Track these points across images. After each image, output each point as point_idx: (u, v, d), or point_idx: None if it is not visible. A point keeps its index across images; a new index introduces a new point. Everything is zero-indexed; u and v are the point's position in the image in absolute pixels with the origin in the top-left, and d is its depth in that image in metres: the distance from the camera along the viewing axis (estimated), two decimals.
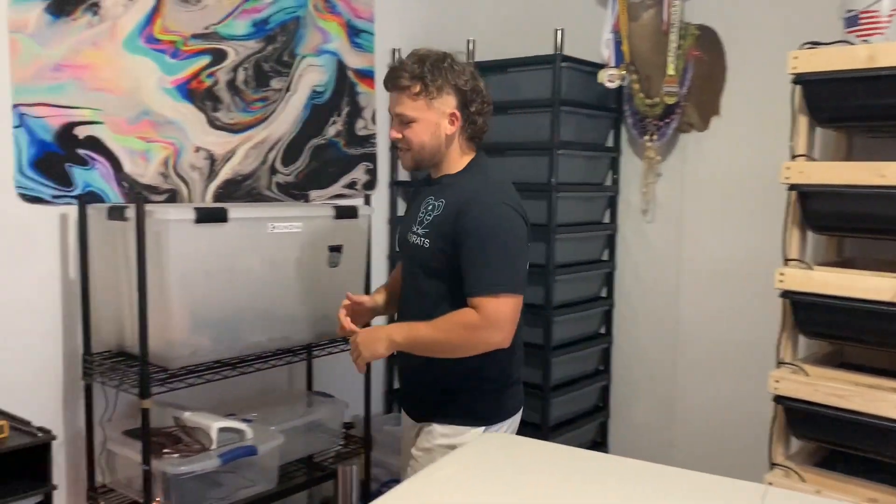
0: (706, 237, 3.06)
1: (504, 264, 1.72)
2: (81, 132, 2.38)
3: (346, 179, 3.27)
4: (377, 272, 3.49)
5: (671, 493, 1.54)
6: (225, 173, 2.80)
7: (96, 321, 2.37)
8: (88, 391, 2.40)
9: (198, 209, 2.17)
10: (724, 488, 1.55)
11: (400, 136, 1.84)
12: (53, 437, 1.87)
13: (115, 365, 2.29)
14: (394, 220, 3.56)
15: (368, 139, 3.36)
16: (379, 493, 3.18)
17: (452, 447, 1.80)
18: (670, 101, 2.95)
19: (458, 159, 1.87)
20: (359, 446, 2.94)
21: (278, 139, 2.97)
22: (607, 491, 1.54)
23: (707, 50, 2.95)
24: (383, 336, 1.83)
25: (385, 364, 3.66)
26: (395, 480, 3.19)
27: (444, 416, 1.85)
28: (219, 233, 2.23)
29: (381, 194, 3.46)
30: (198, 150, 2.70)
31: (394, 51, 3.36)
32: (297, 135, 3.03)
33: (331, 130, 3.18)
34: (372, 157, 3.39)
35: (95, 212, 2.33)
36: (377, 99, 3.38)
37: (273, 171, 2.96)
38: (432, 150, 1.84)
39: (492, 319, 1.70)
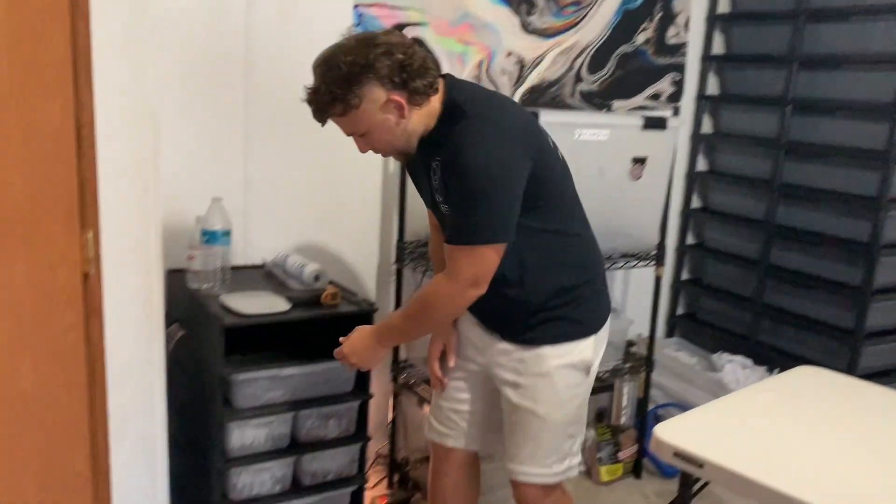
0: None
1: (477, 213, 1.59)
2: (408, 33, 2.52)
3: (650, 90, 3.12)
4: (677, 191, 3.34)
5: None
6: (532, 79, 2.81)
7: (410, 213, 2.56)
8: (399, 275, 2.64)
9: None
10: None
11: (367, 149, 1.69)
12: (375, 308, 2.09)
13: (424, 252, 2.47)
14: (698, 137, 3.35)
15: (679, 48, 3.16)
16: (654, 414, 3.17)
17: (571, 365, 1.74)
18: None
19: (430, 118, 1.65)
20: (639, 365, 2.90)
21: (587, 45, 2.90)
22: None
23: None
24: (369, 343, 1.80)
25: (671, 286, 3.54)
26: (672, 404, 3.13)
27: (552, 339, 1.75)
28: None
29: (686, 108, 3.26)
30: (509, 54, 2.73)
31: None
32: (605, 41, 2.94)
33: (640, 38, 3.03)
34: (680, 68, 3.19)
35: None
36: (692, 4, 3.15)
37: (578, 78, 2.91)
38: (403, 138, 1.65)
39: (452, 269, 1.62)
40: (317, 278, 2.19)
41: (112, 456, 1.79)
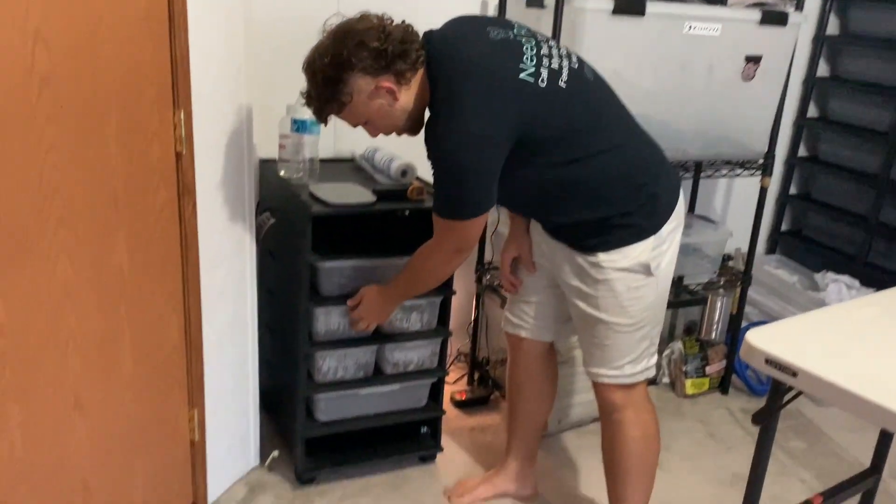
0: None
1: (449, 192, 1.61)
2: None
3: None
4: (792, 98, 3.09)
5: None
6: None
7: None
8: None
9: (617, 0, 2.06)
10: None
11: (377, 134, 1.71)
12: None
13: None
14: (822, 38, 3.06)
15: None
16: (747, 331, 3.05)
17: (627, 269, 1.67)
18: None
19: (424, 90, 1.63)
20: (735, 279, 2.78)
21: None
22: None
23: None
24: (378, 301, 1.93)
25: (777, 200, 3.34)
26: (767, 321, 3.00)
27: (606, 244, 1.66)
28: (634, 27, 2.11)
29: (810, 3, 2.97)
30: None
31: None
32: None
33: None
34: None
35: None
36: None
37: None
38: (403, 117, 1.65)
39: (436, 238, 1.72)
40: (404, 173, 2.17)
41: (205, 332, 1.87)
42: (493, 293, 2.62)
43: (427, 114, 1.65)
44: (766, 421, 1.41)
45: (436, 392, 2.25)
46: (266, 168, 2.19)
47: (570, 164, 1.61)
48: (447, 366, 2.23)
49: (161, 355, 1.77)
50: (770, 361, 1.28)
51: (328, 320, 2.02)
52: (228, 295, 1.97)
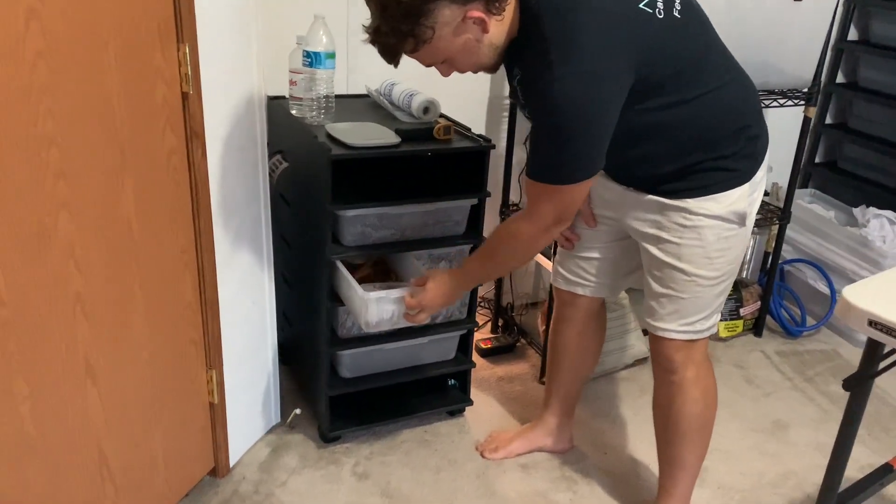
0: None
1: (560, 150, 1.37)
2: None
3: None
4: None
5: None
6: None
7: None
8: (513, 111, 2.41)
9: None
10: None
11: (450, 72, 1.45)
12: (492, 146, 1.89)
13: None
14: None
15: None
16: (782, 270, 2.93)
17: (721, 217, 1.50)
18: None
19: (512, 25, 1.39)
20: (771, 216, 2.64)
21: None
22: None
23: None
24: (446, 291, 1.67)
25: (812, 130, 3.16)
26: (803, 260, 2.88)
27: (700, 190, 1.50)
28: None
29: None
30: None
31: None
32: None
33: None
34: None
35: None
36: None
37: None
38: (490, 54, 1.41)
39: (533, 209, 1.48)
40: (426, 110, 2.00)
41: (220, 287, 1.74)
42: None
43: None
44: (858, 387, 1.28)
45: (464, 344, 2.13)
46: (274, 106, 2.01)
47: (676, 107, 1.41)
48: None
49: (175, 315, 1.63)
50: (875, 323, 1.14)
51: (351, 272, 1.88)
52: (244, 246, 1.83)
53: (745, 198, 1.51)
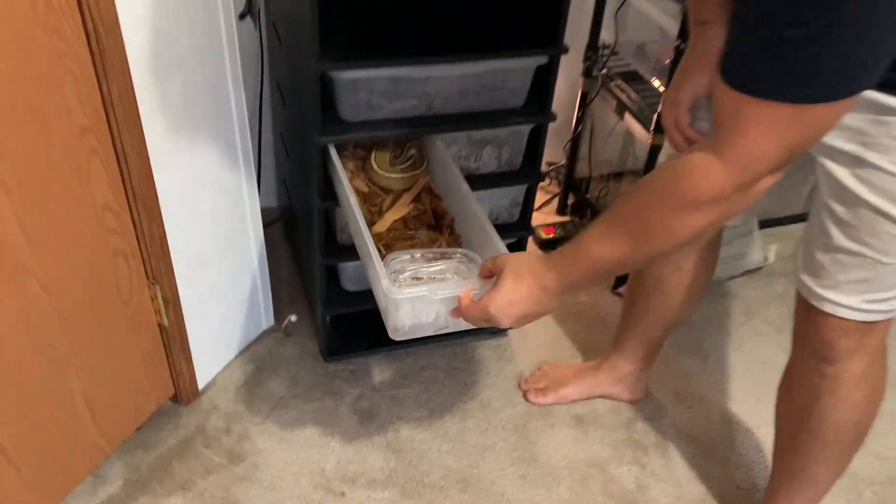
0: None
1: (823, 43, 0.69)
2: None
3: None
4: None
5: None
6: None
7: None
8: None
9: None
10: None
11: None
12: None
13: None
14: None
15: None
16: None
17: None
18: None
19: None
20: None
21: None
22: None
23: None
24: (535, 294, 0.93)
25: None
26: None
27: None
28: None
29: None
30: None
31: None
32: None
33: None
34: None
35: None
36: None
37: None
38: None
39: (731, 140, 0.77)
40: None
41: (158, 176, 1.20)
42: (608, 92, 1.81)
43: None
44: None
45: (518, 248, 1.56)
46: None
47: None
48: (531, 216, 1.52)
49: (84, 223, 1.12)
50: None
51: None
52: (198, 116, 1.26)
53: None
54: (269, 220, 1.93)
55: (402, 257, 1.07)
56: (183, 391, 1.46)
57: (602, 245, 0.87)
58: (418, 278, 1.06)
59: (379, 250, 1.12)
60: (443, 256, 1.08)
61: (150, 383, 1.39)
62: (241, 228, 1.48)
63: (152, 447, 1.41)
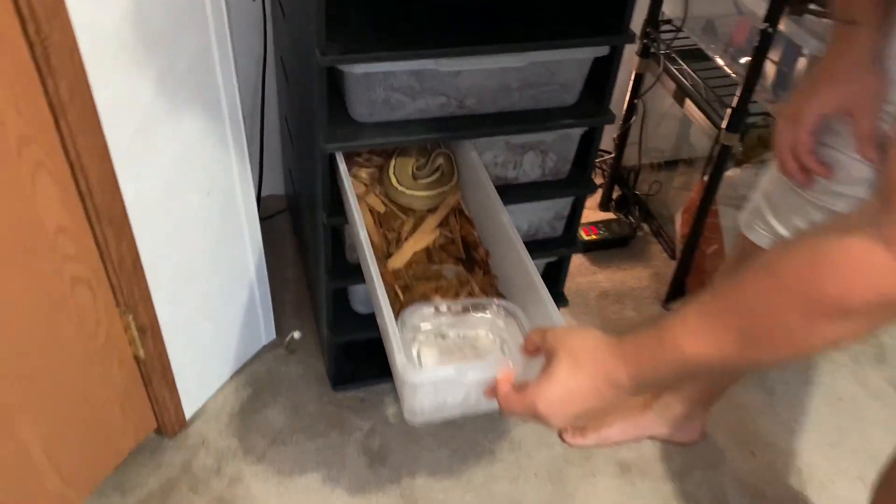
0: None
1: None
2: None
3: None
4: None
5: None
6: None
7: None
8: None
9: None
10: None
11: None
12: None
13: None
14: None
15: None
16: None
17: None
18: None
19: None
20: None
21: None
22: None
23: None
24: (600, 389, 0.68)
25: None
26: None
27: None
28: None
29: None
30: None
31: None
32: None
33: None
34: None
35: None
36: None
37: None
38: None
39: None
40: None
41: (125, 185, 0.98)
42: (666, 75, 1.55)
43: None
44: None
45: (555, 273, 1.33)
46: None
47: None
48: (576, 234, 1.28)
49: (35, 250, 0.91)
50: None
51: None
52: (184, 106, 1.03)
53: None
54: (274, 211, 1.72)
55: (422, 310, 0.84)
56: (167, 423, 1.27)
57: (698, 340, 0.63)
58: (443, 336, 0.84)
59: (396, 294, 0.90)
60: (474, 308, 0.85)
61: (127, 419, 1.19)
62: (235, 233, 1.27)
63: (131, 490, 1.22)
